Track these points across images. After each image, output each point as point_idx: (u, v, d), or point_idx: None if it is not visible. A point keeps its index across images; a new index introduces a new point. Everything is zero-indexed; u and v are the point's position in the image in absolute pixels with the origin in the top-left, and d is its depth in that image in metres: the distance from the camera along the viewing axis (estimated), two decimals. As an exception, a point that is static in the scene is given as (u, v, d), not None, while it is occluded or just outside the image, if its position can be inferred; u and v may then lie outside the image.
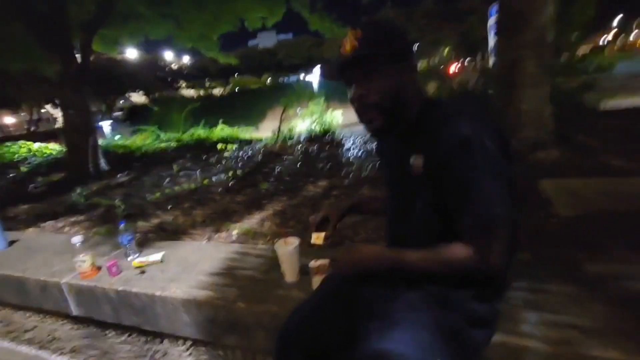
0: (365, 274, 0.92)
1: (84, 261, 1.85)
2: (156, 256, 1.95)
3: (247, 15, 6.15)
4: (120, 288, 1.73)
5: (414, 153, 0.88)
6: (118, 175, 4.97)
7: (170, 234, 2.61)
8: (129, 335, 1.88)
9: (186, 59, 28.33)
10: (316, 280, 1.45)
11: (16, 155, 7.21)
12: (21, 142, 8.09)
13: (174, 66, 27.97)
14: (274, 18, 6.24)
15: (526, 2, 2.43)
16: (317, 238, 1.13)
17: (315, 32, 6.45)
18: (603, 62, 3.26)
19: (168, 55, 25.79)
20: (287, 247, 1.50)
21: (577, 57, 3.36)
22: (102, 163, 5.49)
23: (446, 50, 26.36)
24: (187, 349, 1.74)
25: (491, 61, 4.48)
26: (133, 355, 1.93)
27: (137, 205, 3.43)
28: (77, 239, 1.86)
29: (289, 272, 1.54)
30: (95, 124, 5.70)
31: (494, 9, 4.91)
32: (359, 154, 4.05)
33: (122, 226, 1.98)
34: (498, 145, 0.81)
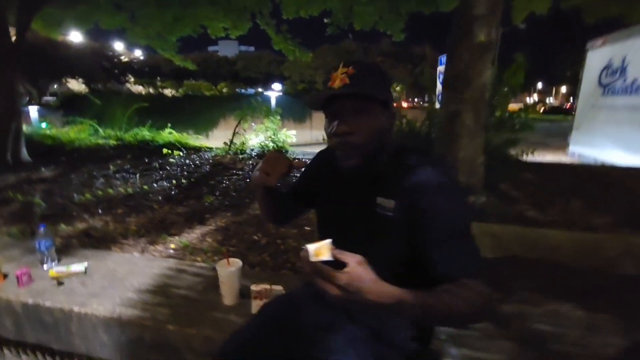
0: (361, 308, 0.68)
1: (-12, 267, 1.62)
2: (78, 266, 1.77)
3: (210, 24, 6.03)
4: (29, 301, 1.54)
5: (382, 195, 0.87)
6: (42, 169, 4.45)
7: (97, 242, 2.39)
8: (32, 355, 1.66)
9: (138, 53, 26.69)
10: (256, 305, 1.44)
11: None
12: None
13: (124, 58, 26.12)
14: (238, 31, 6.19)
15: (469, 65, 2.76)
16: (321, 250, 0.68)
17: (279, 50, 6.53)
18: (528, 121, 3.74)
19: (118, 46, 24.15)
20: (229, 269, 1.46)
21: (507, 115, 3.82)
22: (24, 153, 4.89)
23: (398, 88, 28.36)
24: (102, 373, 1.58)
25: (437, 105, 4.89)
26: (34, 379, 1.70)
27: (61, 206, 3.09)
28: (-18, 241, 1.63)
29: (229, 295, 1.50)
30: (21, 107, 5.08)
31: (443, 57, 5.42)
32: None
33: (41, 230, 1.78)
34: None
